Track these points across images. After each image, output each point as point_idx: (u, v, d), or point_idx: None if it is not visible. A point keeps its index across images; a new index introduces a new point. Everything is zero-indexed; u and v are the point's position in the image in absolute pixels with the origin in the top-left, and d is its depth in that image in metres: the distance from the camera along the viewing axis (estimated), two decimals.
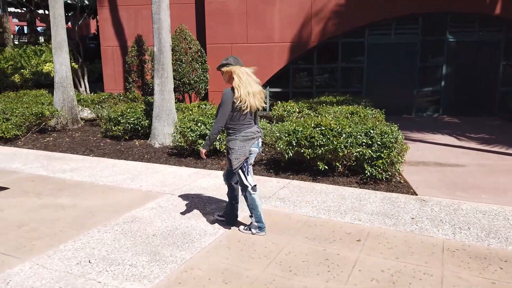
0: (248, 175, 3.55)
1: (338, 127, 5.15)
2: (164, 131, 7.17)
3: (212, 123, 6.31)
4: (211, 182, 5.22)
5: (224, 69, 3.51)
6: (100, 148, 7.29)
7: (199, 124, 6.25)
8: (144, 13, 11.83)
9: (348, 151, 4.93)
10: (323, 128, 5.12)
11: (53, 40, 8.45)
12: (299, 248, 3.32)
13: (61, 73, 8.61)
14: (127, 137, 7.72)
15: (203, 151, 3.61)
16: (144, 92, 10.88)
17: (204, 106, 7.83)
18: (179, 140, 6.28)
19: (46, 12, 21.67)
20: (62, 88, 8.66)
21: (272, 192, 4.75)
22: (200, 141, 6.13)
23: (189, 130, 6.15)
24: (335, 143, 4.92)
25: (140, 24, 11.92)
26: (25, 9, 26.94)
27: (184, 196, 4.69)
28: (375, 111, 6.86)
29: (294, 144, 5.16)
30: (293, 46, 10.69)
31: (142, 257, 3.23)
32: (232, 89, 3.44)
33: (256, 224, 3.61)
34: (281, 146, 5.23)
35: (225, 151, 6.27)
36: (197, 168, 5.94)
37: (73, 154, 6.97)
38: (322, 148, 5.00)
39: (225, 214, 3.88)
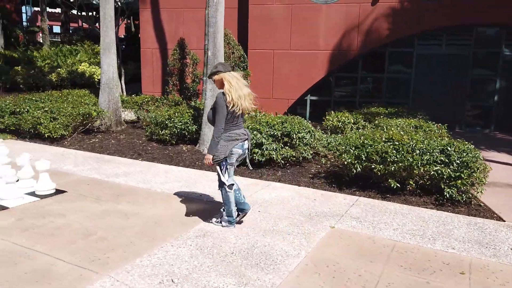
0: (225, 173, 3.79)
1: (411, 143, 4.83)
2: None
3: (267, 131, 6.08)
4: (272, 195, 4.96)
5: (215, 77, 3.75)
6: (148, 152, 7.14)
7: (255, 132, 6.02)
8: (185, 16, 11.75)
9: (425, 169, 4.61)
10: (396, 143, 4.81)
11: (102, 40, 8.40)
12: (397, 279, 3.03)
13: (108, 74, 8.54)
14: (174, 142, 7.55)
15: (210, 157, 3.73)
16: (185, 96, 10.76)
17: (254, 113, 7.60)
18: None
19: (79, 12, 21.99)
20: (108, 89, 8.59)
21: (343, 210, 4.46)
22: (255, 150, 5.89)
23: None
24: (411, 160, 4.60)
25: (181, 27, 11.85)
26: (59, 9, 27.50)
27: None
28: (436, 126, 6.50)
29: (364, 159, 4.86)
30: (337, 54, 10.40)
31: (228, 279, 2.98)
32: (223, 94, 3.67)
33: (226, 218, 3.89)
34: (348, 160, 4.95)
35: (282, 162, 6.02)
36: (253, 178, 5.70)
37: (121, 157, 6.83)
38: (395, 165, 4.68)
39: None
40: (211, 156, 3.71)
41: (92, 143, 7.79)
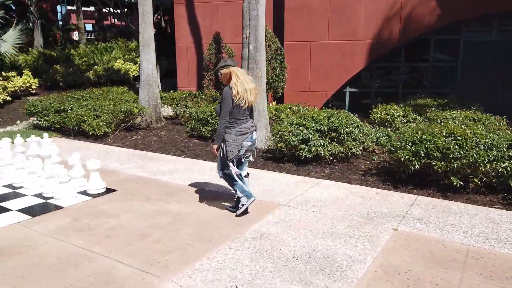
0: (234, 164, 3.94)
1: (475, 138, 4.50)
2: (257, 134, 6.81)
3: (313, 127, 5.87)
4: (324, 194, 4.77)
5: (224, 70, 3.88)
6: (190, 148, 7.09)
7: (301, 128, 5.82)
8: (220, 10, 11.62)
9: (492, 165, 4.27)
10: (459, 138, 4.49)
11: (140, 37, 8.40)
12: None
13: (148, 71, 8.55)
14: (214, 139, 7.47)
15: (215, 147, 3.97)
16: (221, 91, 10.67)
17: (296, 108, 7.40)
18: (279, 144, 5.89)
19: (112, 10, 22.33)
20: (147, 86, 8.60)
21: (403, 210, 4.21)
22: (302, 146, 5.70)
23: (290, 134, 5.74)
24: (476, 156, 4.28)
25: (215, 21, 11.73)
26: (92, 7, 28.08)
27: (302, 209, 4.27)
28: (495, 118, 6.08)
29: (423, 155, 4.57)
30: (378, 43, 9.98)
31: (294, 286, 2.83)
32: (230, 87, 3.80)
33: (241, 195, 3.98)
34: (405, 156, 4.67)
35: (329, 158, 5.81)
36: (300, 175, 5.52)
37: (164, 154, 6.82)
38: (458, 161, 4.37)
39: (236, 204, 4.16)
40: (216, 147, 3.96)
41: (134, 140, 7.83)
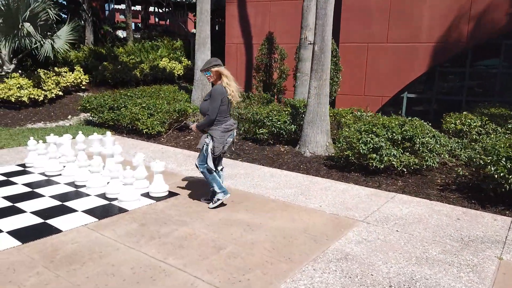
0: (211, 159, 4.11)
1: None
2: (317, 139, 6.47)
3: (384, 135, 5.44)
4: (404, 210, 4.35)
5: (214, 69, 4.06)
6: (246, 152, 6.84)
7: (371, 135, 5.41)
8: (273, 10, 11.34)
9: None
10: None
11: (197, 36, 8.25)
12: None
13: None
14: (271, 142, 7.18)
15: (194, 126, 4.24)
16: (271, 93, 10.39)
17: (359, 113, 6.98)
18: (346, 152, 5.51)
19: (157, 9, 22.62)
20: (201, 85, 8.44)
21: (502, 235, 3.73)
22: (372, 155, 5.29)
23: (360, 142, 5.35)
24: None
25: (267, 21, 11.47)
26: (139, 7, 28.63)
27: (384, 228, 3.88)
28: None
29: None
30: (443, 47, 9.35)
31: None
32: (222, 87, 4.02)
33: (219, 190, 4.19)
34: (499, 173, 4.17)
35: (403, 169, 5.37)
36: (370, 187, 5.11)
37: None
38: None
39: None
40: (195, 129, 4.22)
41: (188, 140, 7.68)
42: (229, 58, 12.28)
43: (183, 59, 17.84)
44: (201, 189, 4.92)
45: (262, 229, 3.82)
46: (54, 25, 12.22)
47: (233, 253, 3.33)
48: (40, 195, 4.55)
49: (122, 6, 38.89)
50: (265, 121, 7.02)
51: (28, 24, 10.71)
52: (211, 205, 4.27)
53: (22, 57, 12.00)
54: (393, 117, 5.90)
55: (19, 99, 10.70)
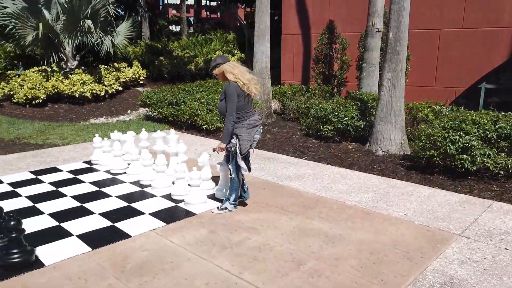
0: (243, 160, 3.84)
1: None
2: (390, 136, 5.89)
3: (474, 133, 4.77)
4: (509, 223, 3.72)
5: (216, 71, 3.80)
6: (310, 149, 6.41)
7: (459, 133, 4.76)
8: None
9: None
10: None
11: (256, 27, 7.91)
12: None
13: (261, 63, 8.05)
14: (337, 139, 6.69)
15: (223, 146, 3.79)
16: (332, 86, 9.83)
17: (437, 107, 6.29)
18: (430, 152, 4.90)
19: (208, 2, 22.58)
20: (260, 79, 8.10)
21: None
22: (462, 156, 4.65)
23: (447, 140, 4.72)
24: None
25: (326, 9, 10.84)
26: (192, 1, 28.90)
27: (489, 244, 3.31)
28: None
29: None
30: None
31: None
32: (232, 82, 3.70)
33: (232, 202, 3.95)
34: None
35: (499, 172, 4.68)
36: (459, 193, 4.49)
37: (283, 154, 6.23)
38: None
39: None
40: (224, 145, 3.78)
41: None
42: (285, 49, 11.83)
43: (236, 52, 17.67)
44: (268, 192, 4.58)
45: (344, 241, 3.40)
46: (113, 22, 12.45)
47: (316, 270, 2.96)
48: (106, 195, 4.45)
49: (174, 1, 39.64)
50: (330, 117, 6.53)
51: (90, 21, 10.95)
52: (215, 210, 3.99)
53: (84, 54, 12.37)
54: (483, 111, 5.18)
55: (82, 94, 11.03)
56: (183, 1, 18.14)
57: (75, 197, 4.38)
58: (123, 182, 4.92)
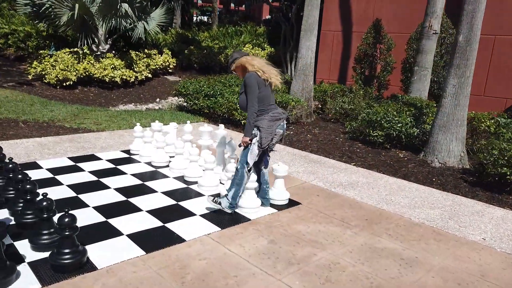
0: (255, 155, 3.59)
1: None
2: (450, 148, 5.46)
3: None
4: None
5: (233, 66, 3.67)
6: (358, 155, 6.02)
7: None
8: None
9: None
10: None
11: (304, 21, 7.51)
12: None
13: (306, 60, 7.67)
14: (387, 146, 6.28)
15: (247, 139, 3.58)
16: (373, 87, 9.38)
17: (503, 120, 5.82)
18: (503, 170, 4.47)
19: None
20: (303, 76, 7.73)
21: None
22: None
23: None
24: None
25: (371, 6, 10.36)
26: None
27: None
28: None
29: None
30: None
31: None
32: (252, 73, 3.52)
33: (230, 200, 3.63)
34: None
35: None
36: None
37: (329, 158, 5.86)
38: None
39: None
40: (248, 139, 3.57)
41: (288, 136, 7.04)
42: (324, 46, 11.39)
43: (266, 46, 17.28)
44: (323, 200, 4.23)
45: (423, 266, 3.03)
46: (148, 7, 12.19)
47: None
48: (152, 190, 4.16)
49: None
50: (382, 122, 6.12)
51: (126, 4, 10.70)
52: (209, 199, 3.67)
53: (115, 38, 12.14)
54: None
55: (113, 79, 10.82)
56: None
57: (119, 190, 4.11)
58: (166, 176, 4.63)
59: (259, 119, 3.55)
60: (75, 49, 11.29)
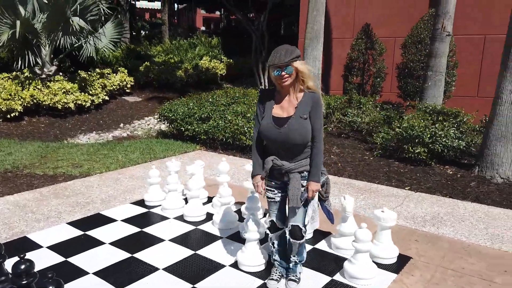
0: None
1: None
2: (511, 160, 4.93)
3: None
4: None
5: (293, 66, 2.36)
6: (406, 176, 5.27)
7: None
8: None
9: None
10: None
11: (309, 28, 6.70)
12: None
13: (313, 71, 6.84)
14: (429, 162, 5.61)
15: (319, 186, 2.52)
16: (365, 95, 8.85)
17: None
18: None
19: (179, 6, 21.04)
20: None
21: None
22: None
23: None
24: None
25: (361, 12, 9.87)
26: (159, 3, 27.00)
27: None
28: None
29: None
30: None
31: None
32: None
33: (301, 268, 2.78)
34: None
35: None
36: None
37: (375, 183, 5.04)
38: None
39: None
40: (320, 185, 2.54)
41: None
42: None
43: (222, 57, 16.35)
44: (427, 247, 3.37)
45: None
46: (103, 22, 10.64)
47: None
48: (220, 265, 2.98)
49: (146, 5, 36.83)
50: (423, 137, 5.45)
51: (78, 18, 9.13)
52: (293, 285, 2.67)
53: (62, 58, 10.41)
54: None
55: (65, 105, 9.15)
56: (166, 2, 16.46)
57: (170, 270, 2.87)
58: (219, 237, 3.44)
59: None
60: (14, 73, 9.40)
